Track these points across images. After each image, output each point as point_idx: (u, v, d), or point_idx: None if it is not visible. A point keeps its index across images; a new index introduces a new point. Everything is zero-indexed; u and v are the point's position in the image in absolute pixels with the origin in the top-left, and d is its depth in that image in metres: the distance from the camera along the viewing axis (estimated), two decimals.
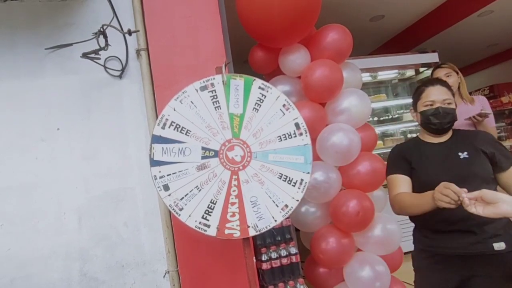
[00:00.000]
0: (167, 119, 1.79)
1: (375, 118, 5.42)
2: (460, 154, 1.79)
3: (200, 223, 1.73)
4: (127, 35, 2.26)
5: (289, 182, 1.83)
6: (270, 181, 1.83)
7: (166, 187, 1.74)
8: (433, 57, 5.05)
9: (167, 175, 1.75)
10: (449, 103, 1.84)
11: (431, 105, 1.86)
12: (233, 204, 1.79)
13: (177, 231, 2.26)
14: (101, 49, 2.13)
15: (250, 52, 2.91)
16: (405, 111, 5.40)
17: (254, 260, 2.30)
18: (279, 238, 2.42)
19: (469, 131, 1.97)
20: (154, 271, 2.34)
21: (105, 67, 2.38)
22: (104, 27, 2.11)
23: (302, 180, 1.84)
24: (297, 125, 1.89)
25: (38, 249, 2.26)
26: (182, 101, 1.82)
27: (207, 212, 1.75)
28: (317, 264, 2.76)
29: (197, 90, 1.85)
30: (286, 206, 1.81)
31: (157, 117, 2.06)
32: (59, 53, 2.37)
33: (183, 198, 1.74)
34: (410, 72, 5.36)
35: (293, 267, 2.41)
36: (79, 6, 2.41)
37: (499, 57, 8.53)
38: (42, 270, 2.25)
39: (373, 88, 5.47)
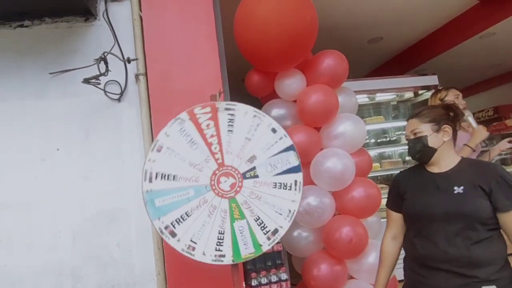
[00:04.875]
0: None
1: (373, 140, 5.41)
2: (455, 188, 1.69)
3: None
4: (127, 63, 2.33)
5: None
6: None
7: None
8: (432, 80, 5.05)
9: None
10: (416, 133, 1.82)
11: (407, 140, 1.90)
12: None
13: (168, 253, 2.28)
14: (101, 75, 2.20)
15: (247, 76, 2.94)
16: (403, 133, 5.40)
17: (244, 286, 2.32)
18: (270, 264, 2.43)
19: (477, 162, 1.85)
20: None
21: (105, 91, 2.45)
22: (105, 54, 2.17)
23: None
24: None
25: (32, 266, 2.31)
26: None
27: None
28: None
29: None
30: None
31: (153, 140, 2.10)
32: (62, 77, 2.46)
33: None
34: (409, 94, 5.33)
35: None
36: (83, 32, 2.50)
37: (504, 78, 8.37)
38: (35, 287, 2.28)
39: (371, 109, 5.45)
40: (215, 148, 1.84)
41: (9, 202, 2.34)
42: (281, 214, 1.83)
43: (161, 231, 1.74)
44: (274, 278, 2.39)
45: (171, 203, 1.77)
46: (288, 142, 1.88)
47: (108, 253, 2.37)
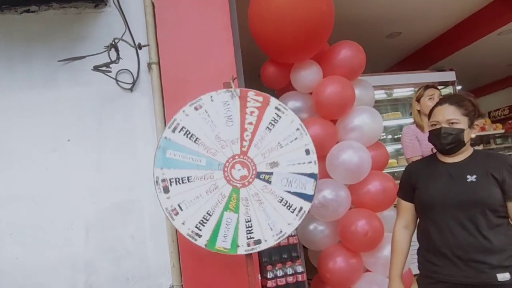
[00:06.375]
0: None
1: (390, 136, 5.34)
2: (468, 177, 1.70)
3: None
4: (138, 49, 2.29)
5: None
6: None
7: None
8: (450, 76, 4.98)
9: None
10: (453, 123, 1.73)
11: (435, 125, 1.80)
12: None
13: (182, 245, 2.25)
14: (112, 62, 2.16)
15: (262, 68, 2.91)
16: None
17: (259, 278, 2.27)
18: (285, 256, 2.38)
19: (489, 153, 1.84)
20: (159, 285, 2.33)
21: (117, 80, 2.41)
22: (116, 40, 2.14)
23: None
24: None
25: (45, 259, 2.28)
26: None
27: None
28: (324, 284, 2.71)
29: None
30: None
31: None
32: (72, 65, 2.41)
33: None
34: None
35: (299, 286, 2.36)
36: (93, 18, 2.46)
37: None
38: (48, 280, 2.27)
39: (388, 105, 5.40)
40: (247, 135, 1.82)
41: (19, 194, 2.31)
42: (271, 230, 1.77)
43: (157, 181, 1.73)
44: (289, 271, 2.34)
45: (181, 161, 1.77)
46: (314, 170, 1.83)
47: (122, 246, 2.35)
